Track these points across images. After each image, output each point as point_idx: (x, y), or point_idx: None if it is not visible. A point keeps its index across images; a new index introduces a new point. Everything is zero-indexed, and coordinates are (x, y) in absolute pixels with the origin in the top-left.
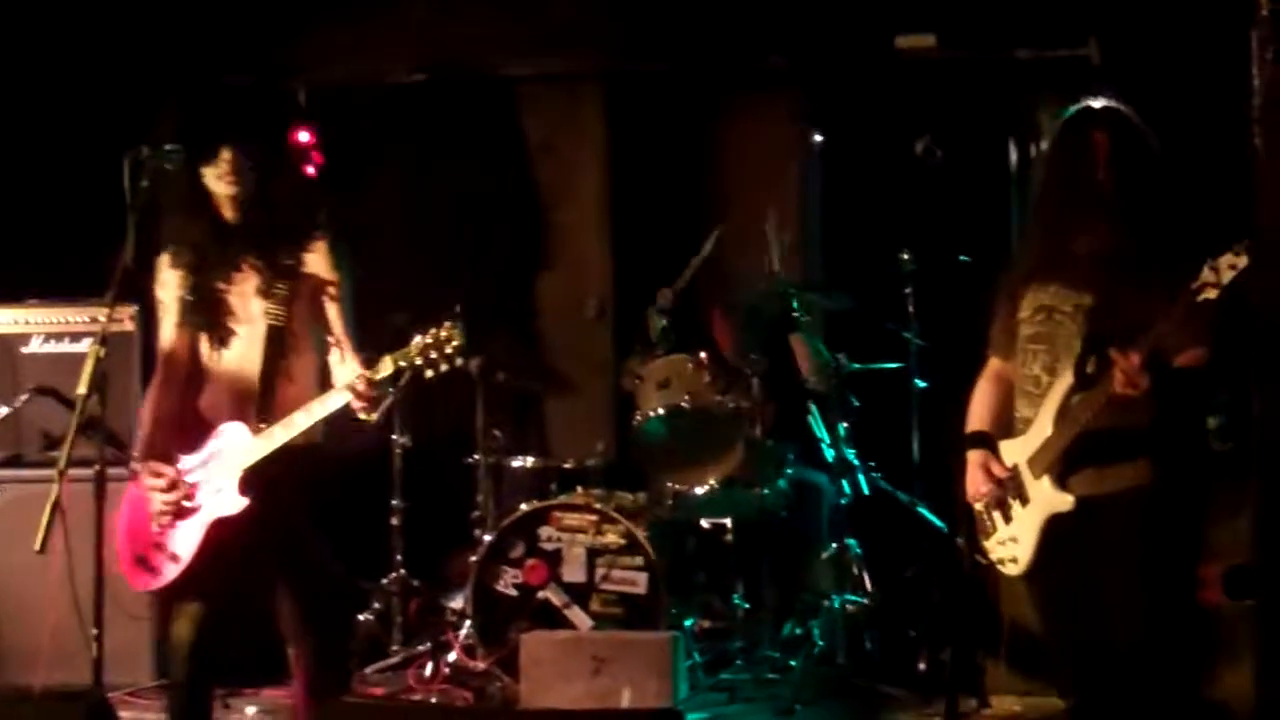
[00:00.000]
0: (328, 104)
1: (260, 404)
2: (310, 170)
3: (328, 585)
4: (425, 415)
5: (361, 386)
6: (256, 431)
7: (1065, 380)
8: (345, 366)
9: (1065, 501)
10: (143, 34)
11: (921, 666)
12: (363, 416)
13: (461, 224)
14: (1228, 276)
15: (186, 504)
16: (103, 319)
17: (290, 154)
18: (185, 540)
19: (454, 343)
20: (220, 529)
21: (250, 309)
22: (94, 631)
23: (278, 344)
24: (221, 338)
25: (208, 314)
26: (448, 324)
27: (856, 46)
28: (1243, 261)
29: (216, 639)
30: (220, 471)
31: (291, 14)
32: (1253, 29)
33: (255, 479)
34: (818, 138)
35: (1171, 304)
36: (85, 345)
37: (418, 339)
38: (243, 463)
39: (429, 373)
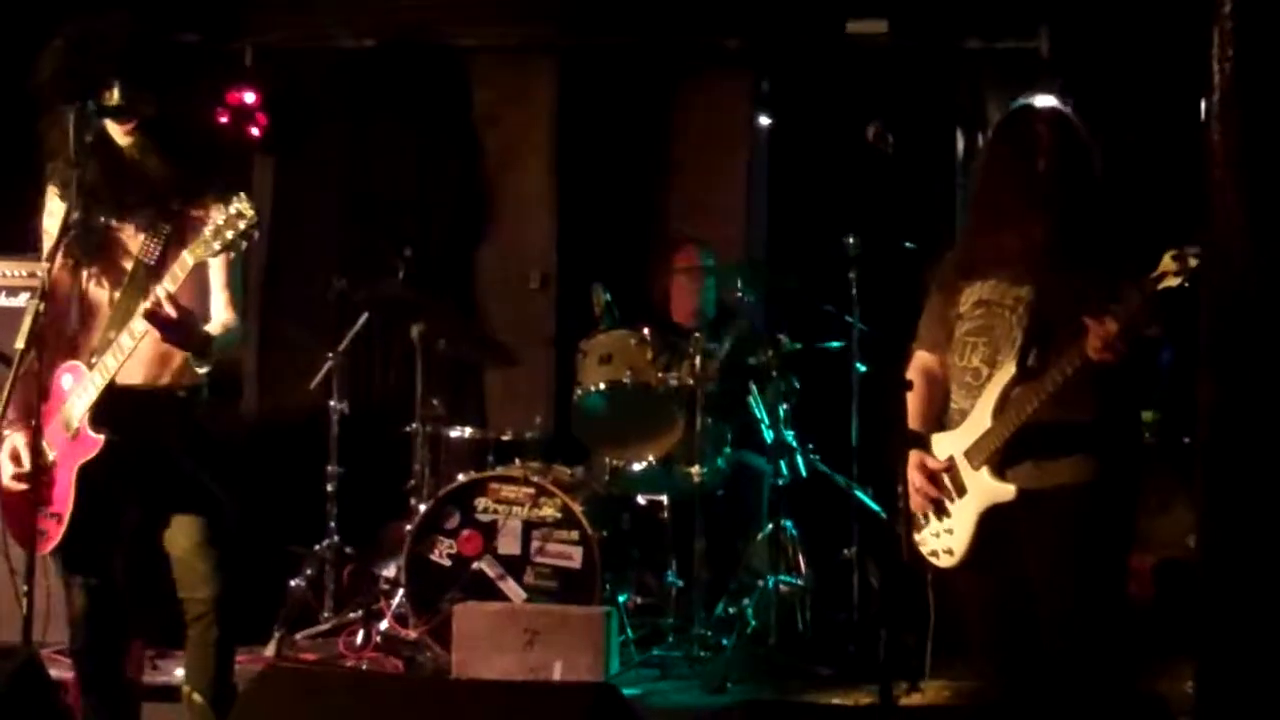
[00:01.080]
0: (274, 66)
1: (101, 339)
2: (255, 131)
3: (224, 530)
4: (364, 382)
5: (161, 295)
6: (91, 366)
7: (1006, 372)
8: (220, 316)
9: (1007, 492)
10: None
11: (852, 648)
12: (195, 366)
13: (405, 192)
14: (1194, 264)
15: (44, 467)
16: (41, 274)
17: (200, 104)
18: (60, 496)
19: (246, 217)
20: (90, 475)
21: (134, 248)
22: (24, 589)
23: (141, 282)
24: (110, 275)
25: (95, 249)
26: (236, 198)
27: (809, 30)
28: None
29: (115, 603)
30: (72, 415)
31: None
32: (1214, 26)
33: (110, 416)
34: (764, 121)
35: (1113, 298)
36: (23, 300)
37: (208, 225)
38: (87, 400)
39: (231, 253)
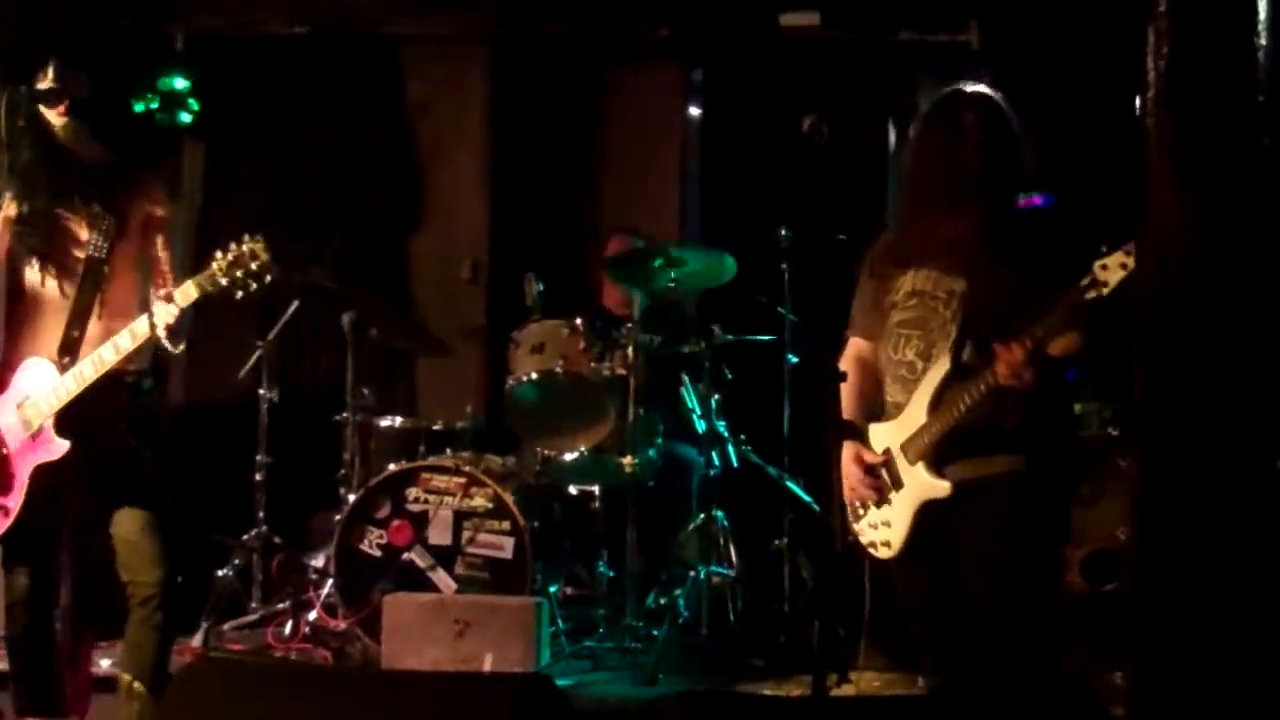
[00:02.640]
0: (206, 52)
1: (65, 338)
2: (185, 116)
3: (170, 513)
4: (294, 370)
5: (168, 315)
6: (62, 368)
7: (941, 367)
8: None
9: (942, 489)
10: None
11: (783, 639)
12: (168, 347)
13: (336, 181)
14: (1117, 277)
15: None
16: None
17: (132, 88)
18: (12, 492)
19: (259, 259)
20: (44, 474)
21: (83, 238)
22: None
23: (95, 276)
24: (60, 264)
25: (42, 237)
26: (249, 239)
27: (742, 21)
28: (1133, 262)
29: (55, 590)
30: (34, 414)
31: None
32: (1149, 24)
33: (73, 417)
34: (694, 111)
35: (1043, 297)
36: None
37: (219, 257)
38: (55, 404)
39: (238, 294)
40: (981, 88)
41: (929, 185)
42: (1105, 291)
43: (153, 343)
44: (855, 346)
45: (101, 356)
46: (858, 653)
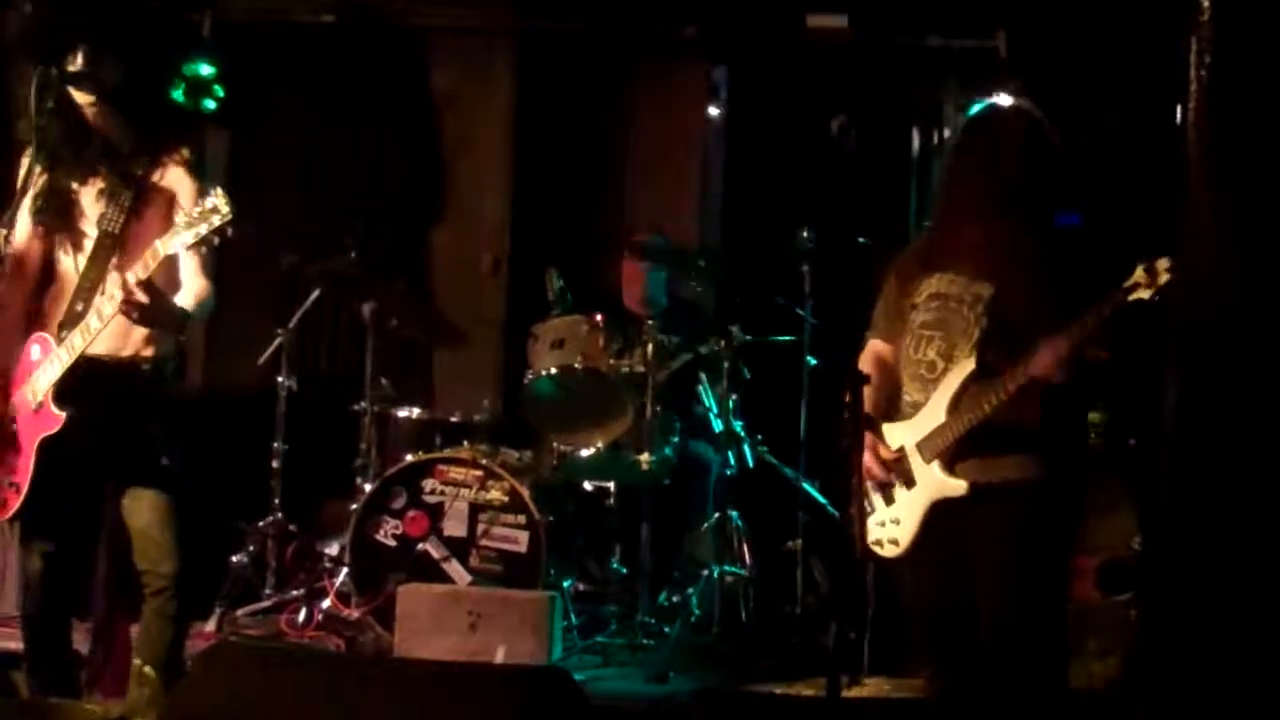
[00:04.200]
0: (232, 38)
1: (68, 312)
2: (209, 103)
3: (186, 503)
4: (313, 359)
5: (140, 278)
6: (59, 341)
7: (963, 368)
8: (191, 284)
9: (958, 487)
10: None
11: (795, 640)
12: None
13: (360, 170)
14: (1164, 279)
15: (10, 429)
16: None
17: (160, 74)
18: (20, 466)
19: (220, 212)
20: (52, 450)
21: (95, 213)
22: None
23: (105, 252)
24: (74, 240)
25: (59, 214)
26: (212, 192)
27: (769, 23)
28: (1169, 269)
29: (71, 572)
30: (38, 386)
31: None
32: (1192, 33)
33: (76, 392)
34: (713, 111)
35: (1074, 309)
36: None
37: (182, 215)
38: (51, 375)
39: (203, 248)
40: (1024, 103)
41: (964, 196)
42: (1149, 294)
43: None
44: (873, 347)
45: (88, 325)
46: (864, 655)
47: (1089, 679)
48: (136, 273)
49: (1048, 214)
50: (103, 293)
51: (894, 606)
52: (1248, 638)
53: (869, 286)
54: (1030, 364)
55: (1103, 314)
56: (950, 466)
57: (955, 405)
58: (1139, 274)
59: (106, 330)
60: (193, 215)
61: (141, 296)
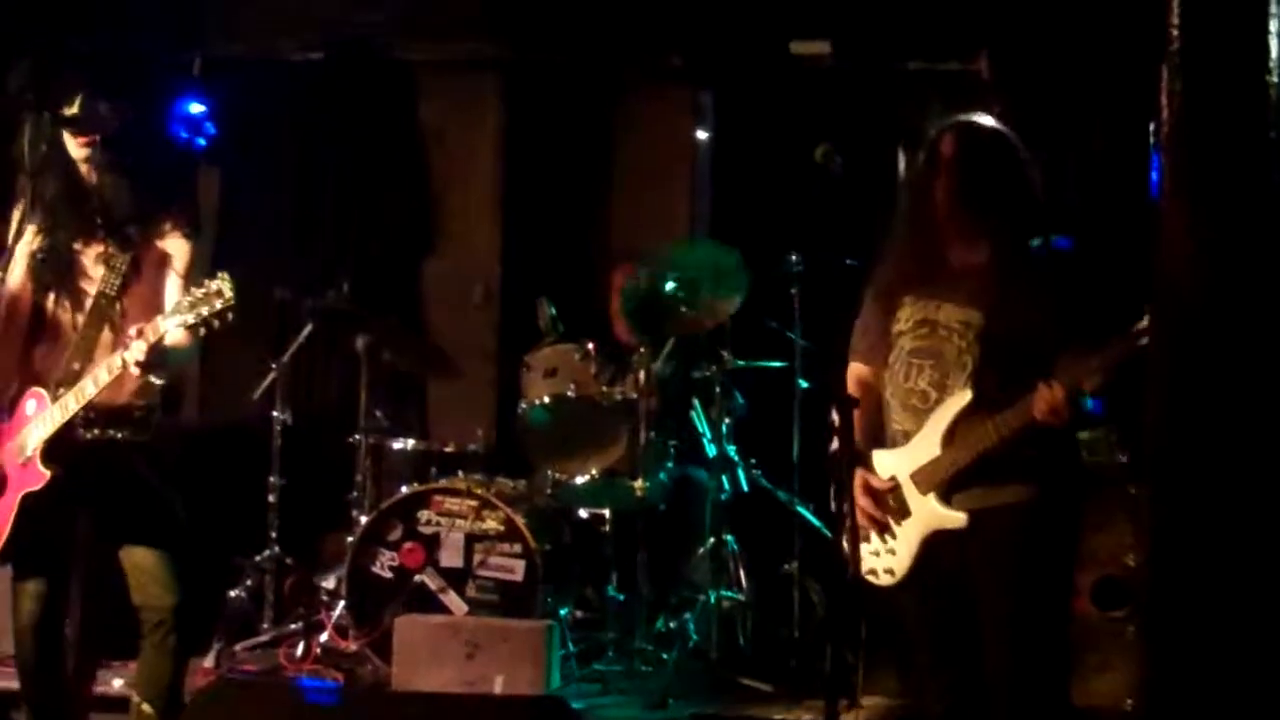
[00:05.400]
0: (222, 77)
1: (65, 370)
2: (200, 141)
3: (183, 539)
4: (307, 392)
5: (139, 351)
6: (55, 399)
7: (958, 400)
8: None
9: (957, 520)
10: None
11: (793, 664)
12: (152, 379)
13: (351, 204)
14: None
15: None
16: None
17: (159, 125)
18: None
19: (223, 297)
20: (34, 501)
21: (96, 275)
22: None
23: (102, 312)
24: (73, 299)
25: (56, 271)
26: (220, 277)
27: (753, 49)
28: None
29: (63, 613)
30: (28, 441)
31: None
32: (1163, 62)
33: (68, 448)
34: (701, 135)
35: (1072, 338)
36: None
37: (187, 295)
38: (43, 433)
39: (201, 331)
40: (976, 117)
41: (933, 215)
42: None
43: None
44: (856, 371)
45: (84, 389)
46: (859, 678)
47: (1089, 695)
48: (135, 352)
49: (1027, 234)
50: (111, 352)
51: (890, 628)
52: (1247, 656)
53: (858, 308)
54: (1032, 407)
55: (1108, 360)
56: (947, 498)
57: (950, 438)
58: (1147, 322)
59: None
60: (196, 296)
61: (137, 372)
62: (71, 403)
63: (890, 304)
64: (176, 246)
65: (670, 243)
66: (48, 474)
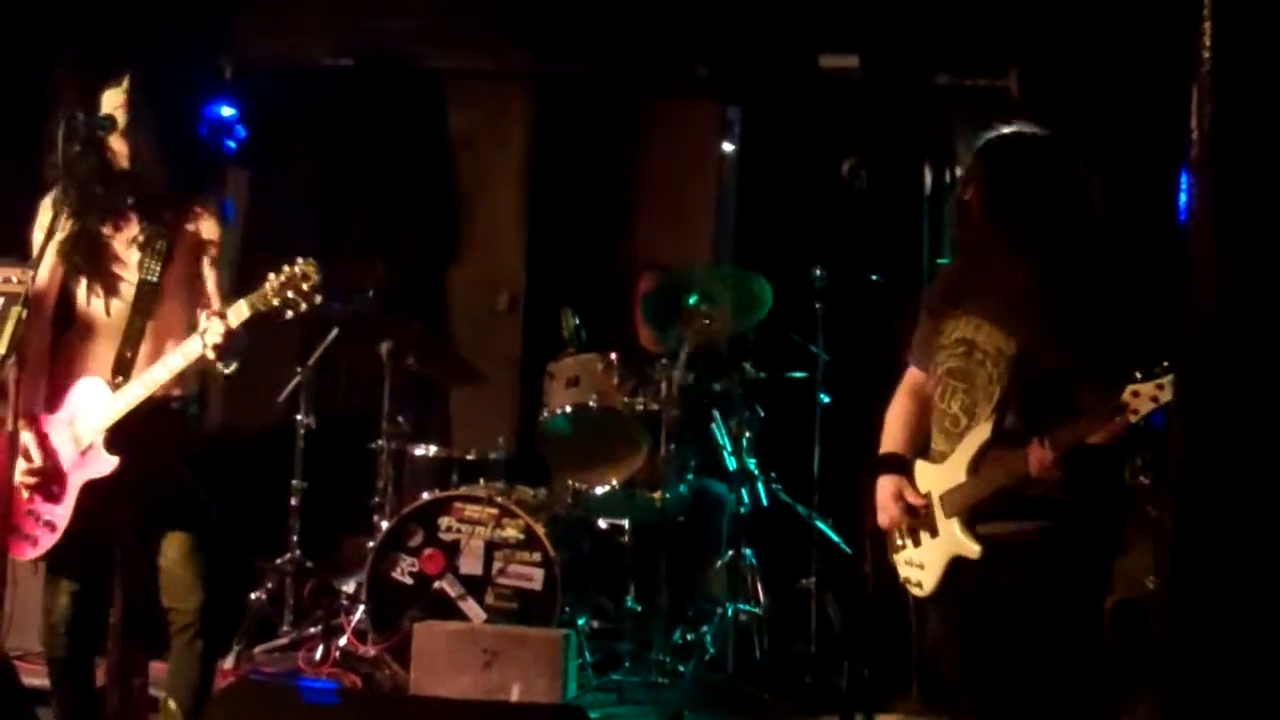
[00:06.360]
0: (253, 81)
1: (118, 359)
2: (231, 144)
3: (212, 539)
4: (331, 397)
5: (217, 333)
6: (114, 387)
7: (982, 431)
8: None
9: (971, 550)
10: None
11: (809, 679)
12: (219, 368)
13: (378, 210)
14: (1147, 408)
15: (51, 468)
16: (15, 279)
17: (194, 109)
18: (60, 507)
19: (310, 280)
20: (93, 491)
21: (130, 259)
22: None
23: (147, 299)
24: (106, 284)
25: (87, 257)
26: (302, 261)
27: (781, 62)
28: (1165, 395)
29: (96, 611)
30: (85, 431)
31: None
32: (1192, 82)
33: (122, 436)
34: (728, 147)
35: (1089, 376)
36: None
37: (271, 278)
38: (105, 421)
39: (288, 313)
40: (1021, 127)
41: (985, 230)
42: (1135, 419)
43: (203, 364)
44: (912, 376)
45: (153, 375)
46: (910, 690)
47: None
48: (213, 335)
49: (1074, 254)
50: (150, 338)
51: (908, 645)
52: (1267, 682)
53: (882, 323)
54: (1027, 463)
55: (1083, 430)
56: (971, 525)
57: (975, 467)
58: (1127, 396)
59: (144, 366)
60: (281, 279)
61: (213, 356)
62: (140, 389)
63: (940, 316)
64: (209, 229)
65: (696, 264)
66: (114, 460)
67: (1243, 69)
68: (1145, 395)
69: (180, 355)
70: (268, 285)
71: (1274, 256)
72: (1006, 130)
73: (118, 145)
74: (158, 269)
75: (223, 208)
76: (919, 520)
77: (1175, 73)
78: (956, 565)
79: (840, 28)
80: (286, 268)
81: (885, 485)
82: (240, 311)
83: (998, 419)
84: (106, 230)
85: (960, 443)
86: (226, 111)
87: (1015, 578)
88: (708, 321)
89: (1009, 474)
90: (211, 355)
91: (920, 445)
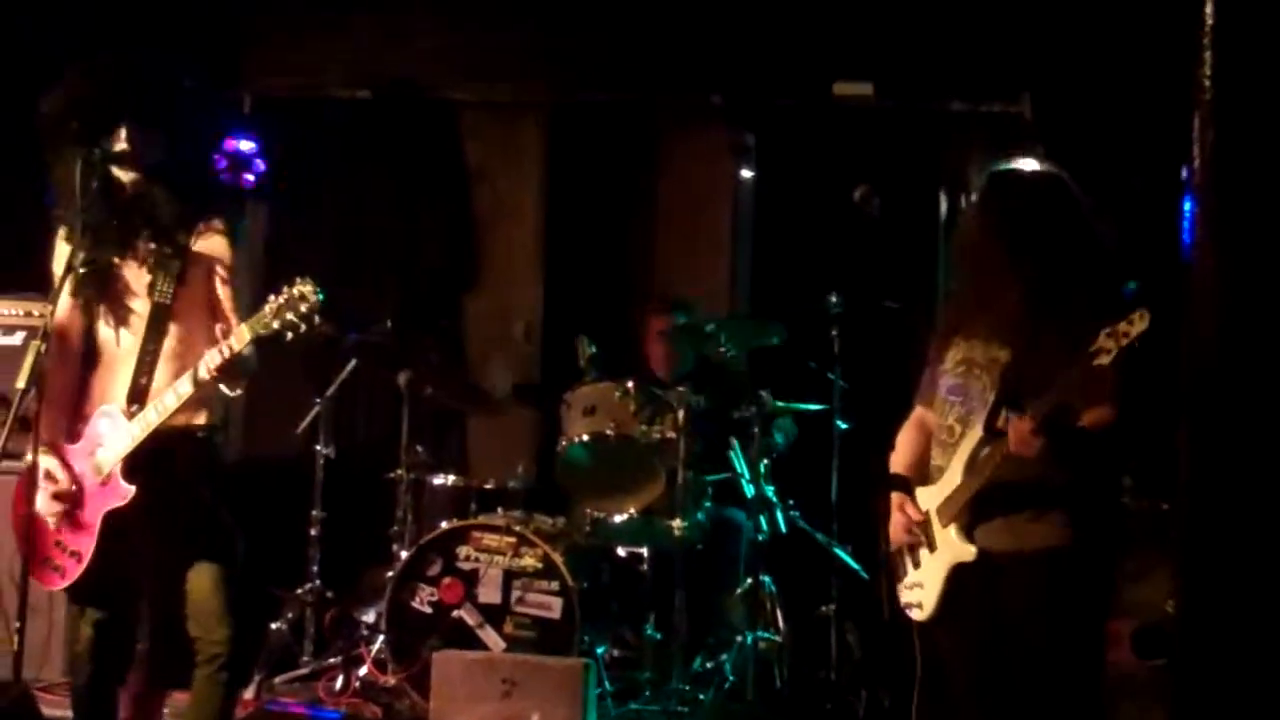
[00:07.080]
0: (272, 114)
1: (133, 386)
2: (249, 177)
3: (237, 570)
4: (349, 427)
5: (221, 359)
6: (130, 415)
7: (973, 435)
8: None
9: (968, 552)
10: (89, 35)
11: (829, 706)
12: (226, 391)
13: (395, 241)
14: (1123, 343)
15: (76, 497)
16: (37, 313)
17: (199, 133)
18: (85, 537)
19: (308, 301)
20: (115, 520)
21: (142, 287)
22: (16, 625)
23: (161, 323)
24: (119, 315)
25: (101, 288)
26: (300, 282)
27: (795, 90)
28: (1137, 328)
29: (120, 641)
30: (104, 460)
31: (241, 24)
32: (1194, 109)
33: (141, 464)
34: (745, 173)
35: (1068, 366)
36: (16, 339)
37: (270, 300)
38: (122, 450)
39: (289, 335)
40: (1018, 163)
41: (977, 262)
42: (1106, 360)
43: (208, 390)
44: (916, 413)
45: (164, 402)
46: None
47: None
48: (224, 350)
49: (1060, 279)
50: (168, 363)
51: (927, 672)
52: None
53: (898, 350)
54: (1009, 442)
55: (1063, 386)
56: (966, 530)
57: (970, 469)
58: (1102, 339)
59: (161, 393)
60: (280, 301)
61: (223, 361)
62: (152, 415)
63: (943, 347)
64: (220, 248)
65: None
66: (132, 489)
67: (1242, 98)
68: (1120, 331)
69: (188, 381)
70: (267, 308)
71: (1274, 280)
72: (998, 167)
73: (128, 177)
74: (170, 291)
75: (233, 227)
76: (919, 539)
77: (1185, 97)
78: (956, 579)
79: (854, 55)
80: (285, 289)
81: (891, 502)
82: (242, 336)
83: (989, 419)
84: (119, 260)
85: (955, 451)
86: (245, 145)
87: (1017, 601)
88: (723, 350)
89: (997, 461)
90: (205, 376)
91: (919, 471)
